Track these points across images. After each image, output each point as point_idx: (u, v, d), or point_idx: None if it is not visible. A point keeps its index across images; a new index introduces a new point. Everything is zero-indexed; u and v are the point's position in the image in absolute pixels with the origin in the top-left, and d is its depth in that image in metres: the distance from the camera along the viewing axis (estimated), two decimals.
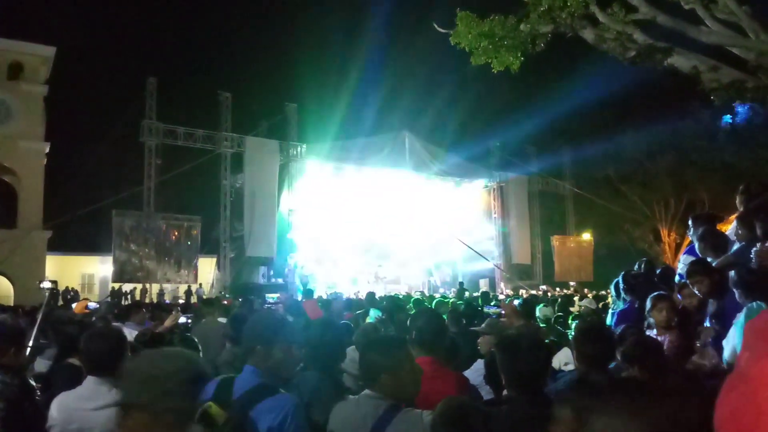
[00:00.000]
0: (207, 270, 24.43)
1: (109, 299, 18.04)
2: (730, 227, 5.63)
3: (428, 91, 31.32)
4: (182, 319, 5.48)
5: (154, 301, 19.01)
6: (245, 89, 32.87)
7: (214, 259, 23.87)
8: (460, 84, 27.15)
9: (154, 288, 21.71)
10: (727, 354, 3.34)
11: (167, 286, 22.50)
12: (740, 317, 3.36)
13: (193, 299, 20.26)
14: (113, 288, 22.00)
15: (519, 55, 7.12)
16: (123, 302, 17.89)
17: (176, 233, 22.78)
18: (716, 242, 4.81)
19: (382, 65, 25.44)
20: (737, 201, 5.19)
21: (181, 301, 18.68)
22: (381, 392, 2.24)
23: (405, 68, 34.73)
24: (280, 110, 24.18)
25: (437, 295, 14.67)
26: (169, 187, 22.95)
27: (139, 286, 21.66)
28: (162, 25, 44.39)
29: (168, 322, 4.44)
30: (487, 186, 29.31)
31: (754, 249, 4.03)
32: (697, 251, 4.99)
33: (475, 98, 28.60)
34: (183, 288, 23.02)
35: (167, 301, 18.87)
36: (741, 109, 22.29)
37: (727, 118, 24.29)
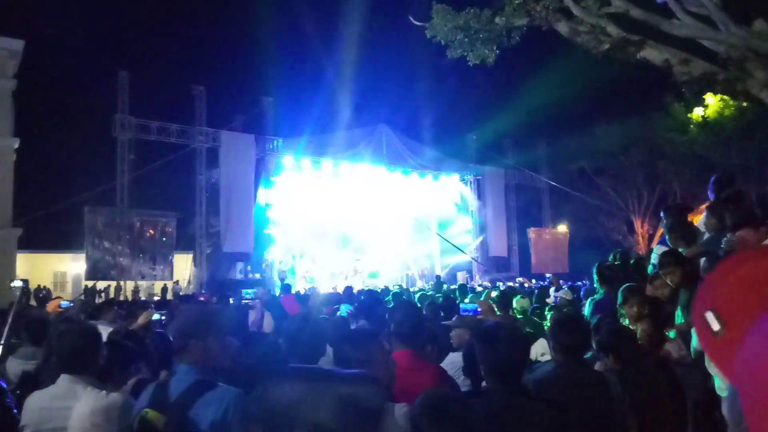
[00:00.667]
0: (183, 266, 24.19)
1: (82, 297, 17.74)
2: (700, 218, 5.75)
3: (405, 85, 31.40)
4: (156, 316, 5.41)
5: (129, 298, 18.74)
6: (220, 82, 32.53)
7: (191, 256, 23.61)
8: (437, 77, 27.26)
9: (129, 285, 21.40)
10: (695, 341, 3.42)
11: (142, 283, 22.21)
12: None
13: (169, 296, 20.03)
14: (86, 286, 21.62)
15: (494, 48, 7.16)
16: (97, 300, 17.60)
17: (151, 230, 22.46)
18: (685, 232, 4.92)
19: (358, 59, 25.28)
20: (708, 192, 5.31)
21: (156, 298, 18.46)
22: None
23: (381, 62, 34.69)
24: (256, 104, 23.99)
25: (414, 288, 14.74)
26: (143, 183, 22.63)
27: (114, 283, 21.32)
28: (133, 17, 43.62)
29: (141, 320, 4.38)
30: (464, 179, 29.45)
31: (724, 239, 4.12)
32: (667, 242, 5.09)
33: (451, 92, 28.80)
34: (159, 285, 22.74)
35: (142, 299, 18.63)
36: (711, 101, 22.72)
37: (698, 110, 24.73)
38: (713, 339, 0.60)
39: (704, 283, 0.67)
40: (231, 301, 9.28)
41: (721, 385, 3.68)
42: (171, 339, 3.97)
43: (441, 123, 29.06)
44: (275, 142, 23.64)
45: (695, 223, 5.52)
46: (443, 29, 7.24)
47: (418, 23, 7.86)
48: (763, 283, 0.59)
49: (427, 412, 1.99)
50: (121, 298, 18.81)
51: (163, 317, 4.96)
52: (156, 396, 2.13)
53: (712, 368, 3.69)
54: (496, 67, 7.62)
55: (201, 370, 2.16)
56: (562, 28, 6.50)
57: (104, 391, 2.45)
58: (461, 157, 28.49)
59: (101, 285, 21.46)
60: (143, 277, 22.16)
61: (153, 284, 22.81)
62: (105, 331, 3.72)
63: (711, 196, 5.22)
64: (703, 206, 6.04)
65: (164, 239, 22.58)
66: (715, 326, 0.60)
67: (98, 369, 2.63)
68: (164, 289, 21.98)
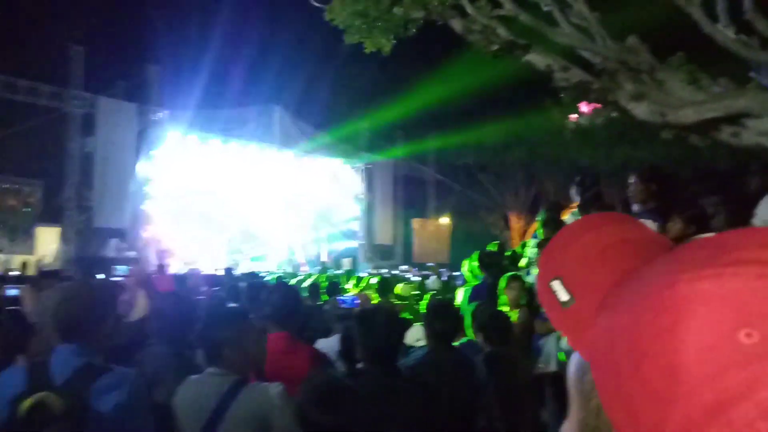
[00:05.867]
0: (49, 240, 22.29)
1: None
2: (569, 215, 6.20)
3: (300, 66, 30.85)
4: (14, 292, 4.96)
5: None
6: (101, 45, 30.11)
7: (58, 229, 21.82)
8: (333, 62, 27.04)
9: None
10: None
11: None
12: None
13: (30, 271, 18.42)
14: None
15: (391, 37, 7.21)
16: None
17: (11, 199, 20.50)
18: (557, 228, 5.28)
19: (253, 35, 24.53)
20: (571, 192, 5.74)
21: (12, 274, 16.91)
22: (225, 368, 2.18)
23: (278, 41, 33.83)
24: (141, 72, 22.50)
25: (302, 274, 14.67)
26: (5, 147, 20.56)
27: None
28: None
29: None
30: (354, 167, 29.60)
31: None
32: (538, 236, 5.47)
33: (347, 79, 28.64)
34: (18, 259, 20.82)
35: None
36: (585, 108, 24.46)
37: (573, 116, 26.55)
38: (562, 310, 0.57)
39: (546, 250, 0.63)
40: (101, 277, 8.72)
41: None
42: (29, 318, 3.66)
43: (334, 109, 28.94)
44: (160, 113, 22.34)
45: (565, 220, 5.96)
46: (342, 13, 7.18)
47: (317, 4, 7.74)
48: (608, 251, 0.57)
49: (314, 400, 1.97)
50: None
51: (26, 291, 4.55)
52: (34, 378, 1.93)
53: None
54: (393, 58, 7.69)
55: (88, 352, 2.01)
56: (456, 25, 6.68)
57: None
58: (353, 145, 28.58)
59: None
60: (0, 250, 20.21)
61: (11, 258, 20.85)
62: None
63: (574, 195, 5.64)
64: (573, 204, 6.51)
65: (27, 209, 20.70)
66: (563, 296, 0.56)
67: None
68: (24, 264, 20.15)
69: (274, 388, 2.10)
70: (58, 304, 2.06)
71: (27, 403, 1.83)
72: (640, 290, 0.47)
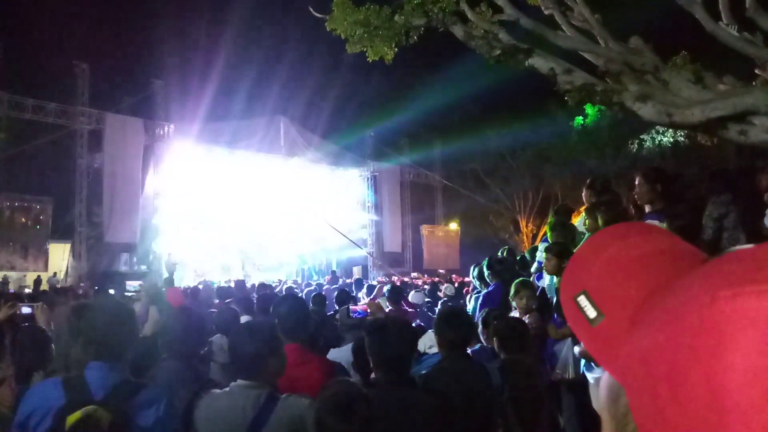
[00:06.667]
0: (60, 257, 22.41)
1: None
2: (579, 219, 6.18)
3: (304, 77, 31.06)
4: (27, 310, 5.01)
5: None
6: (106, 61, 30.38)
7: (69, 245, 21.96)
8: (336, 72, 27.18)
9: None
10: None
11: (12, 275, 20.36)
12: None
13: (44, 288, 18.53)
14: None
15: (393, 45, 7.24)
16: None
17: (23, 216, 20.67)
18: (566, 232, 5.29)
19: (257, 47, 24.71)
20: (583, 195, 5.72)
21: (27, 291, 17.03)
22: (258, 380, 2.19)
23: (281, 52, 34.06)
24: (146, 87, 22.70)
25: (314, 284, 14.67)
26: (15, 165, 20.75)
27: None
28: None
29: (2, 314, 4.02)
30: (361, 175, 29.64)
31: None
32: (549, 239, 5.45)
33: (351, 87, 28.78)
34: (31, 276, 20.95)
35: (12, 290, 17.12)
36: (591, 110, 24.45)
37: (579, 118, 26.55)
38: (590, 327, 0.53)
39: (571, 261, 0.59)
40: (112, 293, 8.77)
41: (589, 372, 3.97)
42: (47, 334, 3.69)
43: (339, 118, 29.06)
44: (166, 128, 22.51)
45: (575, 223, 5.95)
46: (343, 23, 7.23)
47: (318, 15, 7.79)
48: (636, 263, 0.53)
49: (331, 409, 1.97)
50: None
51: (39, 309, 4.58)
52: (74, 392, 1.96)
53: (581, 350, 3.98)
54: (396, 65, 7.72)
55: (121, 369, 2.07)
56: (458, 31, 6.70)
57: None
58: (359, 153, 28.64)
59: None
60: (13, 268, 20.36)
61: (25, 275, 20.98)
62: None
63: (586, 198, 5.62)
64: (582, 208, 6.49)
65: (38, 227, 20.86)
66: (591, 313, 0.53)
67: None
68: (37, 281, 20.28)
69: (306, 400, 2.12)
70: (93, 323, 2.10)
71: (76, 415, 1.84)
72: (676, 307, 0.44)
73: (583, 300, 0.53)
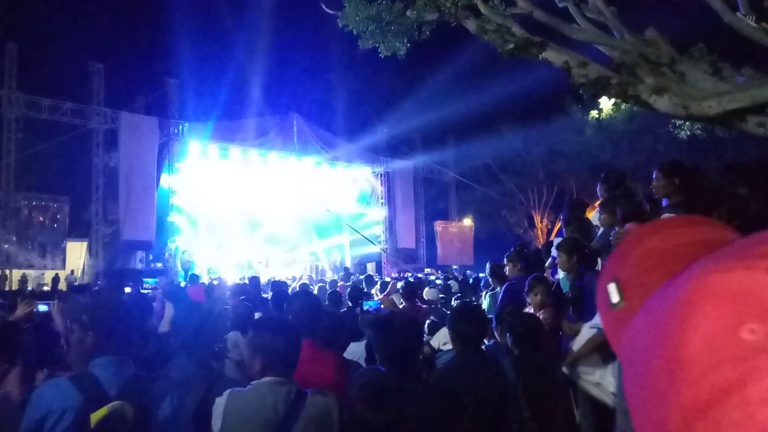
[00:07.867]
0: (77, 255, 22.66)
1: None
2: (594, 213, 6.12)
3: (317, 74, 31.04)
4: (44, 308, 5.05)
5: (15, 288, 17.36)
6: (120, 60, 30.59)
7: (86, 244, 22.20)
8: (350, 68, 27.19)
9: (15, 275, 19.82)
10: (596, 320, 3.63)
11: (30, 273, 20.61)
12: None
13: (62, 286, 18.77)
14: None
15: (405, 41, 7.23)
16: None
17: (41, 215, 20.92)
18: (580, 227, 5.23)
19: (269, 45, 24.74)
20: (598, 189, 5.66)
21: (45, 289, 17.24)
22: (286, 377, 2.19)
23: (293, 49, 34.10)
24: (160, 85, 22.85)
25: (328, 279, 14.72)
26: (32, 165, 20.98)
27: None
28: None
29: (20, 312, 4.06)
30: (374, 171, 29.64)
31: (613, 232, 4.40)
32: (564, 234, 5.40)
33: (363, 84, 28.77)
34: (49, 274, 21.21)
35: (30, 289, 17.34)
36: (606, 104, 24.21)
37: (594, 112, 26.29)
38: (610, 311, 0.54)
39: (612, 253, 0.60)
40: (128, 290, 8.85)
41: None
42: (58, 331, 3.73)
43: (352, 115, 29.06)
44: (180, 126, 22.66)
45: (590, 218, 5.89)
46: (355, 19, 7.22)
47: (330, 11, 7.79)
48: (668, 254, 0.54)
49: (363, 398, 1.95)
50: (6, 288, 17.41)
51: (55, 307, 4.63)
52: (87, 390, 1.92)
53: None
54: (408, 61, 7.70)
55: (130, 364, 2.07)
56: (470, 25, 6.66)
57: None
58: (372, 149, 28.63)
59: None
60: (32, 266, 20.60)
61: (43, 274, 21.24)
62: None
63: (600, 192, 5.56)
64: (597, 203, 6.43)
65: (56, 225, 21.09)
66: (615, 298, 0.54)
67: None
68: (55, 279, 20.52)
69: (331, 396, 2.14)
70: (102, 318, 2.08)
71: (101, 412, 1.83)
72: (673, 288, 0.45)
73: (612, 287, 0.55)
